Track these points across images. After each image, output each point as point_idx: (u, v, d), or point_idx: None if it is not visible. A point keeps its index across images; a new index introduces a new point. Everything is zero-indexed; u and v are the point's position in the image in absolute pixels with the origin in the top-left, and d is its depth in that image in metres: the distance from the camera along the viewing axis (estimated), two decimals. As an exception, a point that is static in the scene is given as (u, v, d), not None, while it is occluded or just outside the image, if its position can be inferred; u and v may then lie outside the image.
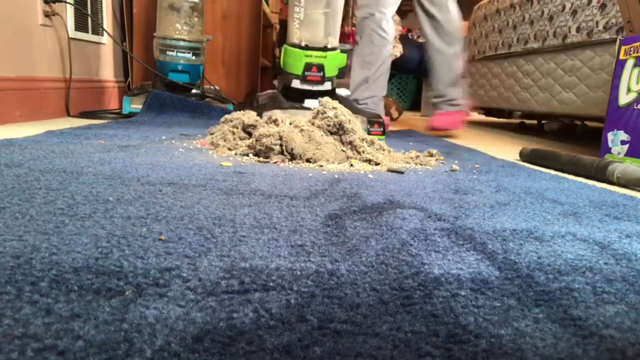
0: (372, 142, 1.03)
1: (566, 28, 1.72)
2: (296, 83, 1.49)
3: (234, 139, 1.07)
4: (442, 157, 1.11)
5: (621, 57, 1.11)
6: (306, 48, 1.47)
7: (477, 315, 0.33)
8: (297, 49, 1.48)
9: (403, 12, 3.01)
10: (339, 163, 0.93)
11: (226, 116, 1.15)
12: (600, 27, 1.53)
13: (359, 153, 0.97)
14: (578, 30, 1.65)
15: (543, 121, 2.55)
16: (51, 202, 0.53)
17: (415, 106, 3.85)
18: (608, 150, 1.13)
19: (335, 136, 0.99)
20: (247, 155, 0.97)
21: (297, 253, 0.43)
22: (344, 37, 2.33)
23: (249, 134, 1.08)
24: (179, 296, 0.33)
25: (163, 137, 1.19)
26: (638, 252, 0.49)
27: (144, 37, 2.14)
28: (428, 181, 0.83)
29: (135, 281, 0.35)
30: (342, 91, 1.67)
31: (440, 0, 1.91)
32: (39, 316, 0.29)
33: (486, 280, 0.39)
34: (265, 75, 2.65)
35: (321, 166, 0.90)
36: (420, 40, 3.20)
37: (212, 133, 1.14)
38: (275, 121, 1.01)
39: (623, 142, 1.09)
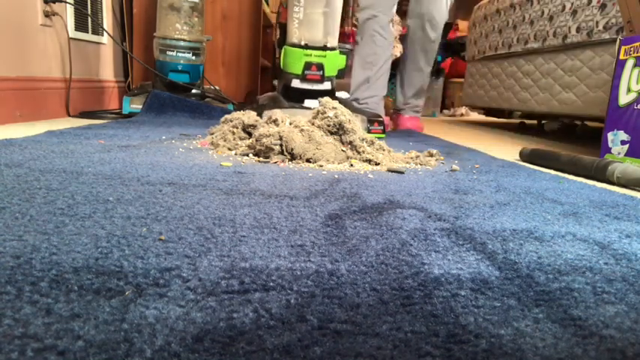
0: (372, 142, 1.03)
1: (566, 28, 1.72)
2: (296, 83, 1.49)
3: (234, 139, 1.07)
4: (442, 157, 1.12)
5: (621, 57, 1.11)
6: (306, 47, 1.48)
7: (477, 315, 0.33)
8: (296, 49, 1.48)
9: (403, 12, 3.00)
10: (339, 163, 0.93)
11: (226, 116, 1.15)
12: (600, 27, 1.53)
13: (359, 153, 0.97)
14: (578, 30, 1.65)
15: (543, 121, 2.55)
16: (51, 202, 0.53)
17: (415, 106, 3.85)
18: (608, 150, 1.13)
19: (335, 136, 0.99)
20: (247, 155, 0.97)
21: (297, 253, 0.43)
22: (344, 37, 2.34)
23: (249, 134, 1.08)
24: (179, 296, 0.33)
25: (163, 137, 1.19)
26: (638, 252, 0.49)
27: (144, 37, 2.14)
28: (428, 181, 0.83)
29: (135, 281, 0.35)
30: (341, 94, 1.67)
31: (438, 24, 2.00)
32: (39, 316, 0.29)
33: (486, 280, 0.39)
34: (265, 75, 2.65)
35: (321, 166, 0.90)
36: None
37: (212, 133, 1.14)
38: (275, 121, 1.01)
39: (623, 142, 1.09)
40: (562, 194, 0.77)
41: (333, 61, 1.52)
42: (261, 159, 0.94)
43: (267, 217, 0.54)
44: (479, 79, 2.54)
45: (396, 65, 2.23)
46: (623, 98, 1.09)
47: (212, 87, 2.07)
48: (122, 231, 0.45)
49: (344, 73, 2.00)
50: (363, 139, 1.00)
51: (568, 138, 2.07)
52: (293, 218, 0.54)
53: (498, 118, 3.02)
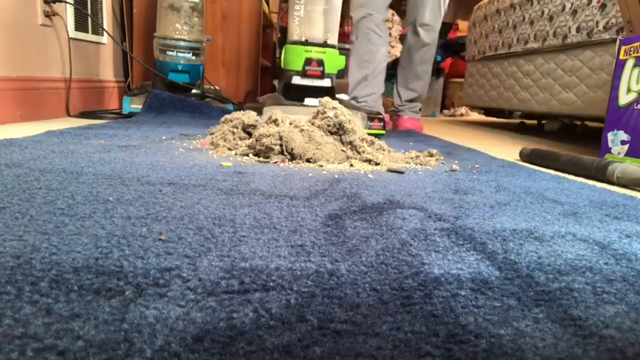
0: (372, 142, 1.03)
1: (566, 28, 1.72)
2: (296, 79, 1.50)
3: (234, 139, 1.07)
4: (442, 157, 1.12)
5: (621, 57, 1.11)
6: (306, 43, 1.49)
7: (477, 315, 0.33)
8: (297, 46, 1.49)
9: (403, 12, 3.01)
10: (339, 163, 0.93)
11: (226, 116, 1.15)
12: (600, 27, 1.53)
13: (359, 153, 0.97)
14: (578, 30, 1.65)
15: (543, 121, 2.55)
16: (51, 202, 0.53)
17: (415, 106, 3.84)
18: (608, 150, 1.13)
19: (335, 136, 0.99)
20: (247, 155, 0.97)
21: (297, 253, 0.43)
22: (344, 37, 2.35)
23: (249, 134, 1.08)
24: (179, 296, 0.33)
25: (163, 137, 1.19)
26: (638, 252, 0.49)
27: (144, 37, 2.14)
28: (428, 181, 0.83)
29: (135, 281, 0.35)
30: (341, 96, 1.68)
31: (432, 29, 2.02)
32: (39, 316, 0.29)
33: (486, 280, 0.39)
34: (265, 75, 2.65)
35: (321, 166, 0.90)
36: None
37: (212, 133, 1.14)
38: (275, 121, 1.01)
39: (623, 142, 1.09)
40: (562, 194, 0.77)
41: (333, 59, 1.52)
42: (261, 159, 0.94)
43: (267, 217, 0.54)
44: (479, 79, 2.54)
45: (396, 65, 2.25)
46: (623, 98, 1.09)
47: (212, 87, 2.07)
48: (122, 231, 0.45)
49: (344, 73, 2.02)
50: (363, 139, 1.00)
51: (568, 138, 2.07)
52: (293, 218, 0.54)
53: (498, 118, 3.02)
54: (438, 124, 2.78)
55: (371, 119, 1.56)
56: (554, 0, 1.80)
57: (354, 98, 1.94)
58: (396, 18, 3.16)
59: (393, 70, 2.36)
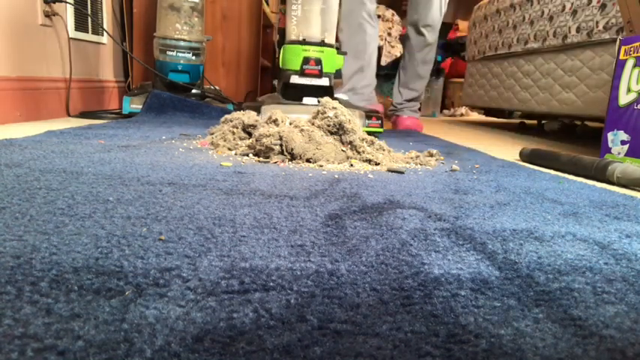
0: (372, 142, 1.03)
1: (566, 28, 1.72)
2: (294, 79, 1.50)
3: (234, 139, 1.07)
4: (442, 157, 1.12)
5: (621, 57, 1.11)
6: (304, 42, 1.49)
7: (477, 315, 0.33)
8: (295, 45, 1.49)
9: (403, 12, 3.01)
10: (339, 163, 0.93)
11: (226, 116, 1.15)
12: (600, 27, 1.53)
13: (359, 153, 0.97)
14: (578, 30, 1.65)
15: (543, 121, 2.55)
16: (51, 202, 0.53)
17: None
18: (608, 150, 1.13)
19: (335, 136, 0.99)
20: (247, 155, 0.97)
21: (297, 253, 0.43)
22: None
23: (249, 134, 1.08)
24: (179, 296, 0.33)
25: (163, 137, 1.19)
26: (638, 252, 0.49)
27: (144, 37, 2.14)
28: (428, 181, 0.83)
29: (135, 281, 0.35)
30: (340, 96, 1.68)
31: (434, 28, 2.04)
32: (39, 316, 0.29)
33: (486, 280, 0.39)
34: (265, 75, 2.65)
35: (321, 166, 0.90)
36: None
37: (212, 133, 1.14)
38: (275, 121, 1.01)
39: (623, 142, 1.09)
40: (562, 194, 0.77)
41: (331, 58, 1.52)
42: (261, 159, 0.94)
43: (267, 217, 0.54)
44: (479, 79, 2.54)
45: (396, 65, 2.25)
46: (623, 98, 1.09)
47: (212, 87, 2.08)
48: (122, 231, 0.45)
49: (341, 73, 2.03)
50: (363, 139, 1.00)
51: (568, 138, 2.07)
52: (293, 218, 0.54)
53: (498, 118, 3.02)
54: (438, 124, 2.78)
55: (369, 117, 1.56)
56: (554, 0, 1.80)
57: (352, 89, 1.94)
58: (396, 18, 3.16)
59: (393, 70, 2.36)
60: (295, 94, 1.52)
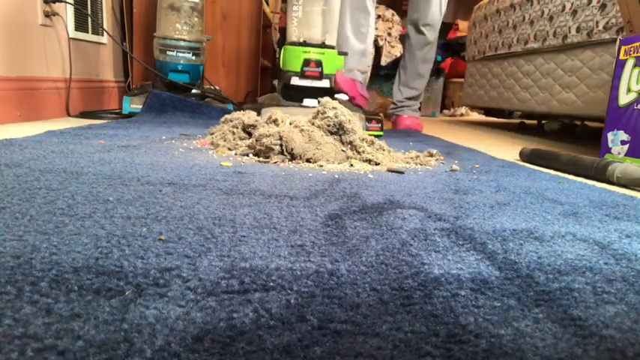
0: (372, 142, 1.03)
1: (566, 28, 1.72)
2: (295, 80, 1.50)
3: (234, 139, 1.07)
4: (442, 157, 1.12)
5: (621, 57, 1.11)
6: (305, 44, 1.49)
7: (477, 315, 0.33)
8: (295, 47, 1.49)
9: (403, 12, 3.00)
10: (339, 163, 0.93)
11: (226, 116, 1.15)
12: (600, 27, 1.53)
13: (359, 153, 0.97)
14: (578, 30, 1.65)
15: (543, 121, 2.55)
16: (51, 202, 0.53)
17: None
18: (608, 150, 1.13)
19: (335, 136, 0.99)
20: (247, 155, 0.97)
21: (297, 253, 0.43)
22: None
23: (249, 134, 1.08)
24: (179, 296, 0.33)
25: (163, 137, 1.19)
26: (638, 252, 0.49)
27: (144, 37, 2.14)
28: (428, 181, 0.83)
29: (135, 281, 0.35)
30: (340, 96, 1.68)
31: (434, 26, 2.05)
32: (39, 316, 0.29)
33: (486, 280, 0.39)
34: (265, 75, 2.65)
35: (321, 166, 0.90)
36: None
37: (212, 133, 1.14)
38: (275, 121, 1.01)
39: (623, 142, 1.09)
40: (562, 194, 0.77)
41: (332, 60, 1.52)
42: (261, 159, 0.94)
43: (267, 217, 0.54)
44: (479, 79, 2.54)
45: (396, 65, 2.25)
46: (623, 98, 1.09)
47: (212, 87, 2.08)
48: (122, 231, 0.45)
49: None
50: (363, 139, 1.00)
51: (568, 138, 2.07)
52: (293, 218, 0.54)
53: (498, 118, 3.02)
54: (438, 124, 2.78)
55: (369, 120, 1.57)
56: (554, 0, 1.80)
57: (351, 71, 1.95)
58: (396, 18, 3.16)
59: (393, 70, 2.36)
60: (295, 96, 1.52)
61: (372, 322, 0.31)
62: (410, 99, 2.13)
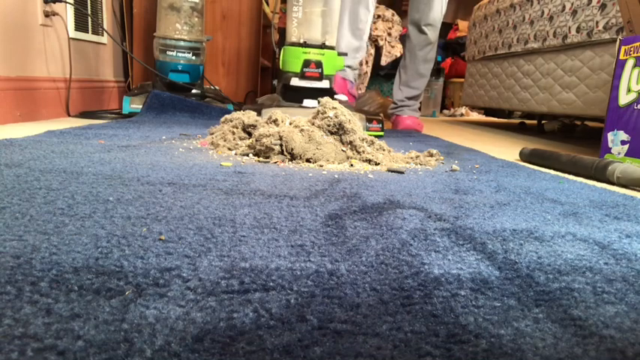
0: (372, 142, 1.03)
1: (566, 28, 1.72)
2: (295, 81, 1.50)
3: (234, 139, 1.07)
4: (442, 157, 1.11)
5: (621, 57, 1.11)
6: (305, 45, 1.49)
7: (477, 315, 0.33)
8: (295, 47, 1.49)
9: (403, 12, 3.01)
10: (339, 163, 0.93)
11: (226, 116, 1.15)
12: (600, 27, 1.53)
13: (359, 153, 0.97)
14: (578, 30, 1.65)
15: (543, 121, 2.55)
16: (51, 202, 0.53)
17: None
18: (608, 150, 1.13)
19: (335, 136, 0.99)
20: (247, 155, 0.97)
21: (297, 253, 0.43)
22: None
23: (249, 134, 1.08)
24: (179, 296, 0.33)
25: (163, 137, 1.19)
26: (638, 252, 0.49)
27: (144, 37, 2.14)
28: (428, 181, 0.83)
29: (135, 281, 0.35)
30: (340, 97, 1.69)
31: (435, 26, 2.05)
32: (39, 316, 0.29)
33: (486, 280, 0.39)
34: (265, 75, 2.65)
35: (321, 166, 0.90)
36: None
37: (212, 133, 1.14)
38: (275, 121, 1.01)
39: (623, 142, 1.09)
40: (562, 194, 0.77)
41: (332, 60, 1.52)
42: (261, 159, 0.94)
43: (267, 217, 0.54)
44: (479, 79, 2.54)
45: (396, 65, 2.25)
46: (623, 98, 1.09)
47: (212, 87, 2.08)
48: (122, 231, 0.45)
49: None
50: (363, 139, 1.00)
51: (568, 138, 2.08)
52: (293, 218, 0.54)
53: (498, 118, 3.02)
54: (438, 124, 2.78)
55: (369, 120, 1.57)
56: (554, 0, 1.80)
57: (348, 66, 1.95)
58: (396, 18, 3.16)
59: (393, 70, 2.36)
60: (295, 97, 1.52)
61: (372, 322, 0.31)
62: (410, 98, 2.13)
